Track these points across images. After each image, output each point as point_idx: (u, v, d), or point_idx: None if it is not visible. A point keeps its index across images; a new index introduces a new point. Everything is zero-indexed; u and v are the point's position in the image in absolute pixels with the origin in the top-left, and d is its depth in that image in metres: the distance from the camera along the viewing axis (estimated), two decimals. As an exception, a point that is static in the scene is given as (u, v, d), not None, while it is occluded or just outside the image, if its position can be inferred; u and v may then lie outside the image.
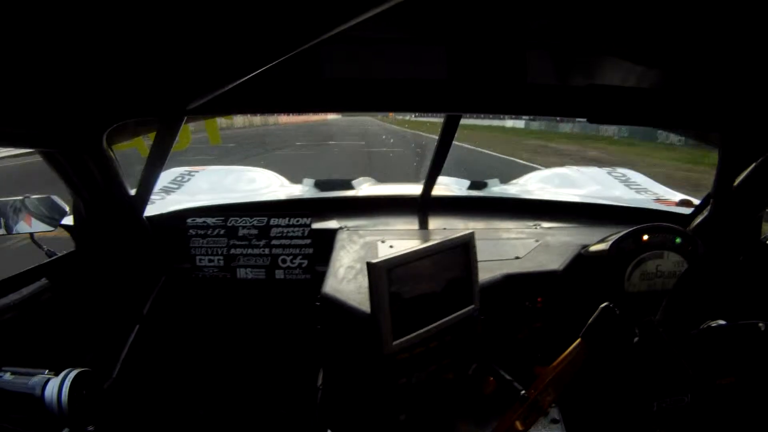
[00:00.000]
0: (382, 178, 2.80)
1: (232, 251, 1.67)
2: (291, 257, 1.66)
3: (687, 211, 1.76)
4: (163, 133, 1.41)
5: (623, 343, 1.08)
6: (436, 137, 1.72)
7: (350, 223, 1.73)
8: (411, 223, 1.79)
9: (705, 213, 1.59)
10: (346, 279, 1.30)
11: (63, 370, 0.92)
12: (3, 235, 1.53)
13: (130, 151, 1.69)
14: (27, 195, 1.59)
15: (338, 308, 1.19)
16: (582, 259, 1.45)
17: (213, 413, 1.84)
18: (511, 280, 1.33)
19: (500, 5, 0.95)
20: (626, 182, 2.61)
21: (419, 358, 1.12)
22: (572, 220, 1.79)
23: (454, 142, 1.71)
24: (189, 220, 1.66)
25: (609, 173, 2.80)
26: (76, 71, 1.00)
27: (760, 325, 1.00)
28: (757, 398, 1.03)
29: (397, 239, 1.55)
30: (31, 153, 1.43)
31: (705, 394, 1.05)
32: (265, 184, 2.59)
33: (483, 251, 1.30)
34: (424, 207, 1.91)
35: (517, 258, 1.44)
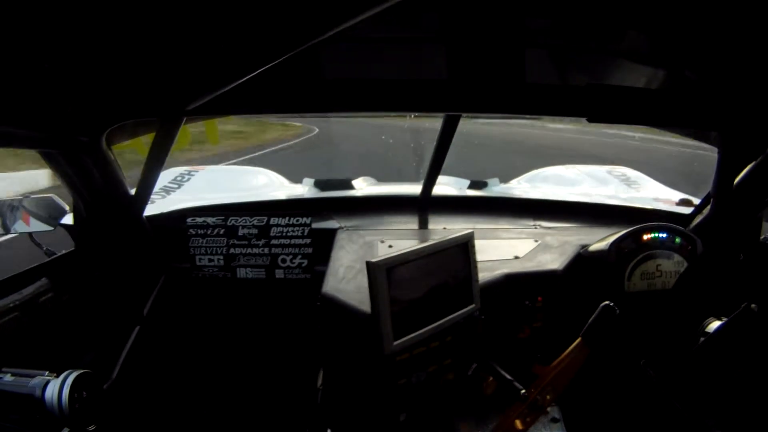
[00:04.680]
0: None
1: (232, 251, 1.67)
2: (291, 257, 1.66)
3: (687, 210, 1.76)
4: (162, 133, 1.41)
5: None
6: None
7: (350, 222, 1.73)
8: (411, 223, 1.79)
9: (705, 212, 1.59)
10: (346, 279, 1.30)
11: (63, 372, 0.92)
12: (2, 235, 1.53)
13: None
14: (27, 195, 1.59)
15: (338, 308, 1.19)
16: (582, 259, 1.45)
17: (213, 413, 1.84)
18: (511, 280, 1.33)
19: (500, 5, 0.95)
20: (626, 181, 2.60)
21: (419, 358, 1.12)
22: (572, 219, 1.79)
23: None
24: (189, 220, 1.65)
25: (609, 172, 2.79)
26: (76, 72, 1.00)
27: (753, 306, 1.01)
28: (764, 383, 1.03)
29: (397, 239, 1.55)
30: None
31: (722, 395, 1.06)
32: (264, 184, 2.58)
33: (483, 251, 1.30)
34: (423, 206, 1.91)
35: (517, 258, 1.44)
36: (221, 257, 1.67)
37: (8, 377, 0.92)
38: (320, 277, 1.34)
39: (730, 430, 1.10)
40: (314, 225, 1.65)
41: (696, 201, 1.82)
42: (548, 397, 1.06)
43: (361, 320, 1.13)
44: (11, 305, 1.25)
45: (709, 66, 1.09)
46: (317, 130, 13.90)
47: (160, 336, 1.68)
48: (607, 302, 1.07)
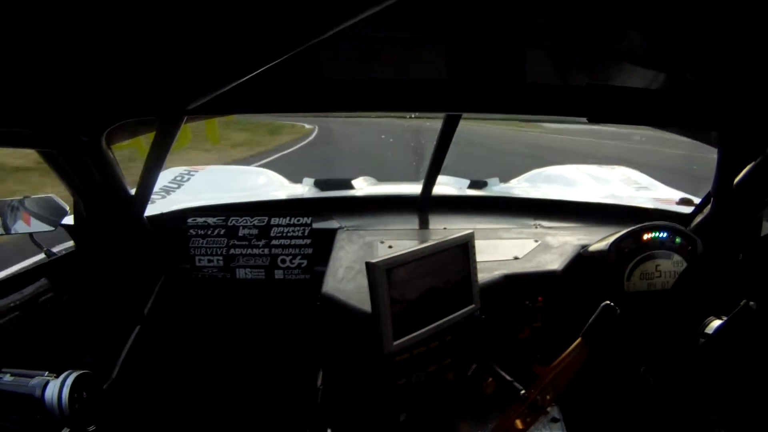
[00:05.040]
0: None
1: (232, 251, 1.67)
2: (290, 257, 1.66)
3: (687, 210, 1.76)
4: (162, 133, 1.41)
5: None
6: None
7: (350, 222, 1.72)
8: (411, 223, 1.79)
9: (705, 212, 1.59)
10: (346, 279, 1.30)
11: (63, 372, 0.92)
12: (2, 235, 1.52)
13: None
14: (27, 195, 1.59)
15: (338, 308, 1.19)
16: (582, 259, 1.45)
17: (213, 413, 1.84)
18: (510, 280, 1.33)
19: (500, 5, 0.95)
20: (626, 181, 2.60)
21: (419, 358, 1.12)
22: (572, 219, 1.79)
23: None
24: (189, 220, 1.65)
25: (609, 172, 2.79)
26: (76, 71, 1.00)
27: (751, 304, 1.02)
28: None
29: (397, 239, 1.55)
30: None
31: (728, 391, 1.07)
32: (264, 184, 2.58)
33: (483, 251, 1.30)
34: (423, 206, 1.91)
35: (517, 258, 1.44)
36: (221, 258, 1.67)
37: (8, 377, 0.92)
38: (320, 277, 1.34)
39: (732, 428, 1.10)
40: (314, 225, 1.65)
41: (696, 200, 1.82)
42: (548, 397, 1.06)
43: (361, 320, 1.13)
44: (11, 305, 1.25)
45: (709, 66, 1.09)
46: (313, 135, 12.60)
47: (160, 336, 1.68)
48: (607, 302, 1.07)
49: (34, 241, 1.60)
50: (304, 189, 2.25)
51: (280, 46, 0.80)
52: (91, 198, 1.48)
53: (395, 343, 1.04)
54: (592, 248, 1.46)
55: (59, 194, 1.62)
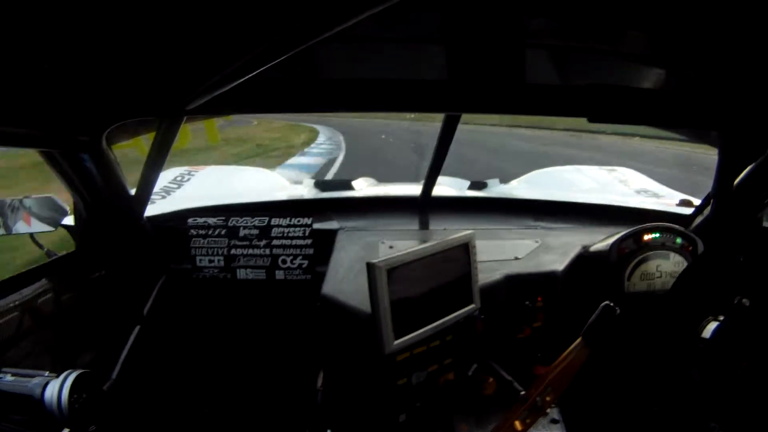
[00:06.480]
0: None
1: (233, 251, 1.67)
2: (291, 258, 1.66)
3: (688, 211, 1.76)
4: (162, 133, 1.41)
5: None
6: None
7: (350, 223, 1.72)
8: (411, 224, 1.79)
9: (705, 213, 1.58)
10: (347, 279, 1.30)
11: (63, 372, 0.92)
12: (2, 235, 1.52)
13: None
14: (27, 195, 1.59)
15: (338, 308, 1.19)
16: (582, 260, 1.45)
17: (213, 414, 1.84)
18: (511, 281, 1.33)
19: (500, 5, 0.95)
20: (626, 182, 2.61)
21: (419, 358, 1.12)
22: (572, 220, 1.79)
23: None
24: (190, 220, 1.65)
25: (609, 173, 2.80)
26: (76, 71, 1.00)
27: (744, 301, 1.02)
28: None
29: (398, 240, 1.55)
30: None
31: (729, 389, 1.07)
32: (265, 185, 2.59)
33: (483, 251, 1.30)
34: (424, 207, 1.91)
35: (517, 258, 1.44)
36: (221, 258, 1.67)
37: (8, 377, 0.92)
38: (320, 277, 1.34)
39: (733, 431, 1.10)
40: (315, 226, 1.65)
41: (696, 201, 1.82)
42: (548, 398, 1.06)
43: (362, 321, 1.13)
44: (11, 305, 1.25)
45: (709, 66, 1.09)
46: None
47: (160, 336, 1.68)
48: (607, 302, 1.07)
49: (34, 241, 1.60)
50: (304, 190, 2.25)
51: (279, 46, 0.80)
52: (92, 198, 1.48)
53: (395, 342, 1.04)
54: (592, 249, 1.46)
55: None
